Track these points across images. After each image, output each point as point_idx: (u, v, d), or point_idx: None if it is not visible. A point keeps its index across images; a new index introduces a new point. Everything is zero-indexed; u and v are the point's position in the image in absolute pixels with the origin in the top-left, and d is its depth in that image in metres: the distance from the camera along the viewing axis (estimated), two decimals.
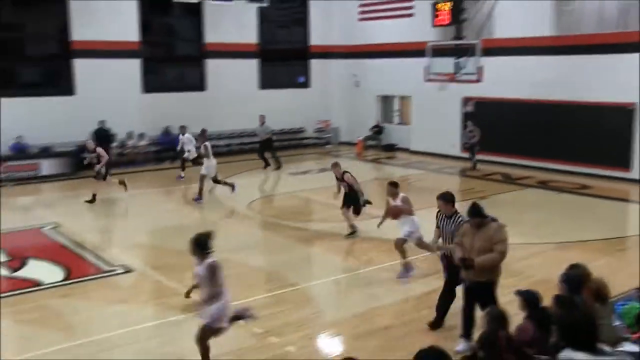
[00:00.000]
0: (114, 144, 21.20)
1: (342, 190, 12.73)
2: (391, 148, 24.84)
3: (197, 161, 17.79)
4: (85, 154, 16.76)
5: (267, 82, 25.53)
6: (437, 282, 8.81)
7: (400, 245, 10.18)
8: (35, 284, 10.39)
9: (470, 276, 7.06)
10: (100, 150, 16.21)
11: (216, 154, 18.89)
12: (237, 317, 7.34)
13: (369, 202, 12.55)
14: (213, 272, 6.73)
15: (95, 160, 16.14)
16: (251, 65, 25.17)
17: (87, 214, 15.42)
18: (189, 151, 19.01)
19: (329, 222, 13.69)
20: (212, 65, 24.14)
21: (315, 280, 10.71)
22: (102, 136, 20.15)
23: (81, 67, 21.37)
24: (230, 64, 24.33)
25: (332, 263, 11.57)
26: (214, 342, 7.03)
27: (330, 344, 8.10)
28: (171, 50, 24.89)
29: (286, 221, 14.28)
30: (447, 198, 8.14)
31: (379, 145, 25.20)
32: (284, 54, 26.50)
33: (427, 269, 10.32)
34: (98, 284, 10.48)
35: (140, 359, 7.56)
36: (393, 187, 10.46)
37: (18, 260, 11.52)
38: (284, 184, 19.27)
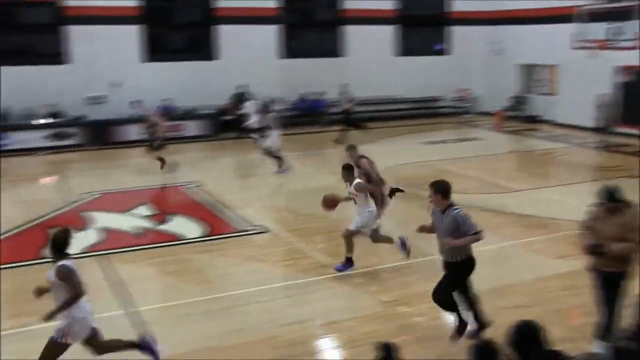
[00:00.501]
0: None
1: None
2: (533, 120, 23.72)
3: (259, 131, 17.29)
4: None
5: (405, 49, 25.16)
6: (579, 263, 8.35)
7: (346, 236, 9.10)
8: (177, 238, 11.04)
9: (601, 265, 6.36)
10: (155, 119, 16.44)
11: (352, 122, 18.93)
12: (135, 345, 6.47)
13: (399, 190, 10.83)
14: (64, 278, 5.79)
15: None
16: (389, 32, 24.90)
17: (226, 174, 16.10)
18: (253, 120, 18.81)
19: (463, 194, 13.34)
20: (350, 32, 24.15)
21: None
22: (241, 100, 20.86)
23: (224, 33, 22.20)
24: (367, 30, 24.21)
25: None
26: (337, 306, 7.04)
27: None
28: (310, 16, 25.14)
29: (419, 190, 14.07)
30: (437, 188, 6.73)
31: (520, 116, 24.14)
32: (423, 20, 25.93)
33: (566, 249, 9.81)
34: (235, 242, 10.92)
35: (267, 317, 7.80)
36: (345, 171, 9.25)
37: (162, 215, 12.28)
38: (419, 153, 19.02)
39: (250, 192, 14.82)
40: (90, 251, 10.34)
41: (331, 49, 24.27)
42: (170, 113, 20.67)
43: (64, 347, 5.94)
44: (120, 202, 13.76)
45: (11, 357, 6.92)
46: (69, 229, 6.16)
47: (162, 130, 16.17)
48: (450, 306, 7.00)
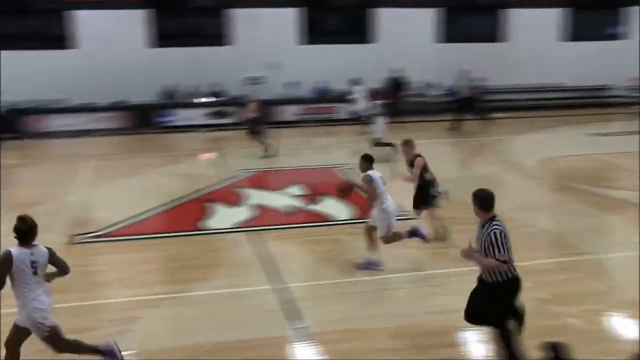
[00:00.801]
0: (407, 92, 21.67)
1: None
2: None
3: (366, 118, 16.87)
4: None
5: (572, 33, 23.72)
6: None
7: (367, 231, 8.73)
8: (327, 219, 11.22)
9: None
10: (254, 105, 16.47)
11: (513, 109, 18.16)
12: (95, 349, 6.11)
13: (442, 194, 9.85)
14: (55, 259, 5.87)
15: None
16: (554, 15, 23.59)
17: (379, 158, 16.04)
18: (360, 106, 18.44)
19: (633, 191, 12.40)
20: (512, 15, 23.17)
21: (611, 252, 9.78)
22: (396, 84, 20.76)
23: (383, 16, 22.16)
24: (531, 13, 23.10)
25: (632, 236, 10.46)
26: None
27: (621, 324, 7.37)
28: None
29: (581, 184, 13.29)
30: (476, 198, 5.89)
31: None
32: (596, 1, 24.26)
33: None
34: None
35: (413, 304, 7.70)
36: (363, 160, 8.68)
37: (314, 196, 12.52)
38: (582, 145, 17.90)
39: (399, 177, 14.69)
40: (243, 227, 10.78)
41: (491, 33, 23.44)
42: (325, 95, 21.01)
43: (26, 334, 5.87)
44: (273, 180, 14.23)
45: (162, 321, 7.40)
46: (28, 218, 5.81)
47: (261, 115, 16.50)
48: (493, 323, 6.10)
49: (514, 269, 5.86)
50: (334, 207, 11.77)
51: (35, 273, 5.70)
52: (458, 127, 18.99)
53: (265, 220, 11.18)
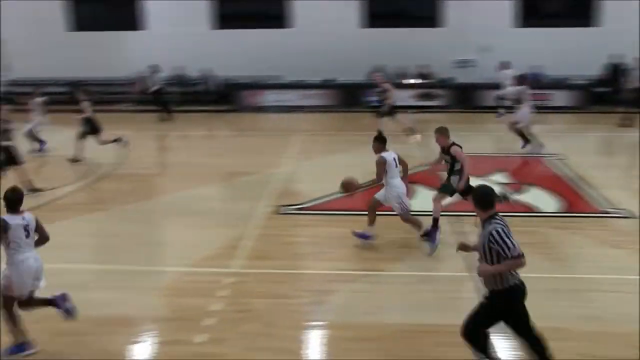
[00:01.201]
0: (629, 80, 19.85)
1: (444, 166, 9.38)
2: None
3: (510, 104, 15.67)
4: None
5: None
6: None
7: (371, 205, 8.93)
8: (531, 210, 10.68)
9: None
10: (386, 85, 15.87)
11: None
12: (49, 302, 6.42)
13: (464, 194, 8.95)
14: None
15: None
16: None
17: (592, 150, 15.02)
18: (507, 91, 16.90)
19: None
20: None
21: None
22: (617, 71, 19.13)
23: None
24: None
25: None
26: None
27: None
28: None
29: None
30: (474, 195, 5.50)
31: None
32: None
33: None
34: (593, 223, 10.17)
35: (625, 310, 7.06)
36: (376, 142, 8.90)
37: (519, 185, 11.98)
38: None
39: (618, 172, 13.54)
40: (444, 210, 10.60)
41: None
42: (538, 81, 19.94)
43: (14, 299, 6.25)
44: (477, 166, 13.81)
45: (355, 296, 7.53)
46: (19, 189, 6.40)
47: (391, 98, 15.90)
48: (475, 342, 5.63)
49: (517, 281, 5.38)
50: (541, 198, 11.18)
51: (27, 236, 6.24)
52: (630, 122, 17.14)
53: (465, 206, 10.88)
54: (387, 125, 15.88)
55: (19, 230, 6.18)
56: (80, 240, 9.69)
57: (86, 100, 14.13)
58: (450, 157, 9.12)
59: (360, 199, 10.35)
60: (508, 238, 5.24)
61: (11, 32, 22.11)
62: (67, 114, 18.96)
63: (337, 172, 12.82)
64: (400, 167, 8.98)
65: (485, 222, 5.39)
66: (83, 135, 13.94)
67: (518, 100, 15.15)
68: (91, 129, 13.97)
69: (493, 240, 5.24)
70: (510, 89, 16.85)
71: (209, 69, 21.21)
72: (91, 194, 12.04)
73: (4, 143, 11.31)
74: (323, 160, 14.24)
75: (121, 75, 21.59)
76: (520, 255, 5.24)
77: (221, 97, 21.34)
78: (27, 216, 6.33)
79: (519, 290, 5.43)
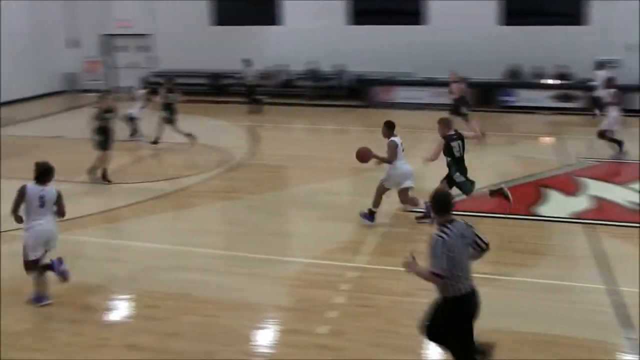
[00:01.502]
0: None
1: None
2: None
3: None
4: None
5: None
6: None
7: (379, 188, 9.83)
8: None
9: None
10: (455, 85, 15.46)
11: None
12: (47, 266, 7.30)
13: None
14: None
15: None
16: None
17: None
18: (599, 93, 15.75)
19: None
20: None
21: None
22: None
23: None
24: None
25: None
26: None
27: None
28: None
29: None
30: (431, 199, 5.52)
31: None
32: None
33: None
34: None
35: None
36: (385, 127, 9.83)
37: None
38: None
39: None
40: (578, 218, 10.11)
41: None
42: None
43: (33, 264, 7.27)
44: (617, 172, 13.06)
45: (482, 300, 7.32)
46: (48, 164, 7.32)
47: (458, 96, 15.54)
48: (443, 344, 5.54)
49: (465, 285, 5.17)
50: None
51: (42, 206, 7.14)
52: None
53: (603, 214, 10.33)
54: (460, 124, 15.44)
55: (34, 199, 7.11)
56: (211, 226, 10.14)
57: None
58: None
59: (486, 202, 10.12)
60: (439, 255, 5.05)
61: (160, 26, 23.49)
62: (207, 104, 19.98)
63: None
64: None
65: (439, 225, 5.26)
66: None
67: (608, 103, 14.42)
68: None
69: (430, 247, 5.15)
70: (602, 92, 16.02)
71: (342, 65, 21.41)
72: (225, 182, 12.54)
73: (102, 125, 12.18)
74: None
75: (258, 69, 22.32)
76: (438, 275, 5.07)
77: (353, 92, 21.49)
78: (49, 189, 7.23)
79: (467, 301, 5.25)
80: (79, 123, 14.97)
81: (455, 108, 16.06)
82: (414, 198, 9.89)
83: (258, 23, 22.99)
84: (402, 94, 21.01)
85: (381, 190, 9.86)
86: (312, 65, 21.69)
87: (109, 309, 7.55)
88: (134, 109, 15.89)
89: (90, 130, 12.41)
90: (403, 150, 9.82)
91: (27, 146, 15.51)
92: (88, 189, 12.27)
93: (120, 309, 7.64)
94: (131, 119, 15.70)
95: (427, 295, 7.41)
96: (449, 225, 5.17)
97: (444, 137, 9.87)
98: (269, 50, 22.37)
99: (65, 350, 6.43)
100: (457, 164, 9.80)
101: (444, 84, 20.65)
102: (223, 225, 10.48)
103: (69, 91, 23.84)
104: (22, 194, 7.17)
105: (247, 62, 20.48)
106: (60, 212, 7.41)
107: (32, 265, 7.26)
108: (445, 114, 18.69)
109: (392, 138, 9.74)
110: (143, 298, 7.55)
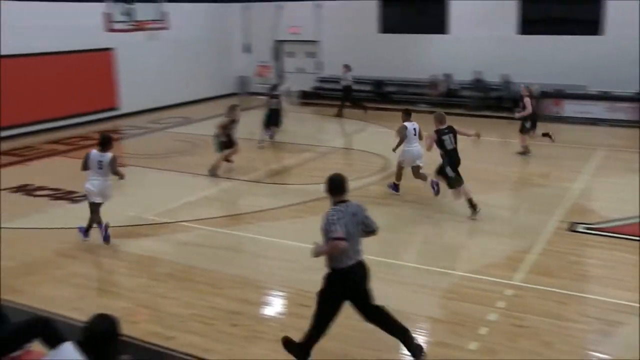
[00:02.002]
0: None
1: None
2: None
3: None
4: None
5: None
6: None
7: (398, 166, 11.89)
8: None
9: None
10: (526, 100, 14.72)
11: None
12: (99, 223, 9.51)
13: None
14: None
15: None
16: None
17: None
18: None
19: None
20: None
21: None
22: None
23: None
24: None
25: None
26: None
27: None
28: None
29: None
30: (326, 181, 6.03)
31: None
32: None
33: None
34: None
35: None
36: (404, 114, 12.00)
37: None
38: None
39: None
40: None
41: None
42: None
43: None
44: None
45: None
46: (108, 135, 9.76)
47: (528, 111, 14.73)
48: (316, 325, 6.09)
49: (352, 259, 5.80)
50: None
51: (100, 168, 9.32)
52: None
53: None
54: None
55: (94, 162, 9.33)
56: None
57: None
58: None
59: None
60: (335, 222, 5.63)
61: (326, 33, 24.13)
62: (370, 110, 20.21)
63: (638, 193, 11.75)
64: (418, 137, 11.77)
65: (333, 204, 5.88)
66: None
67: None
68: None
69: (324, 222, 5.73)
70: None
71: (509, 75, 20.73)
72: (383, 189, 12.55)
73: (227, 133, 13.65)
74: (623, 179, 13.05)
75: (421, 77, 22.24)
76: (338, 238, 5.55)
77: (519, 104, 20.64)
78: (106, 155, 9.34)
79: (353, 272, 5.86)
80: (246, 124, 15.78)
81: (523, 124, 15.17)
82: (423, 174, 11.75)
83: (424, 31, 22.89)
84: (573, 108, 19.95)
85: (399, 167, 11.93)
86: (477, 74, 21.23)
87: (264, 304, 7.88)
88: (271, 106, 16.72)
89: (215, 135, 13.82)
90: (415, 135, 11.70)
91: (198, 144, 16.61)
92: (251, 187, 12.89)
93: (275, 305, 7.95)
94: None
95: (588, 322, 7.06)
96: (342, 205, 5.86)
97: (436, 131, 10.83)
98: (434, 59, 22.22)
99: (223, 340, 6.80)
100: (448, 156, 10.74)
101: (621, 98, 19.40)
102: (379, 232, 10.51)
103: (240, 94, 25.15)
104: (86, 159, 9.42)
105: (347, 67, 21.13)
106: (114, 172, 9.43)
107: (95, 208, 9.47)
108: (624, 130, 17.69)
109: (405, 123, 11.76)
110: (296, 296, 7.79)
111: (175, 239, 9.93)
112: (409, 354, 6.12)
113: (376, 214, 10.97)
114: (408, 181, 12.42)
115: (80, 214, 9.99)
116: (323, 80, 24.74)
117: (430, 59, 22.31)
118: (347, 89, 21.27)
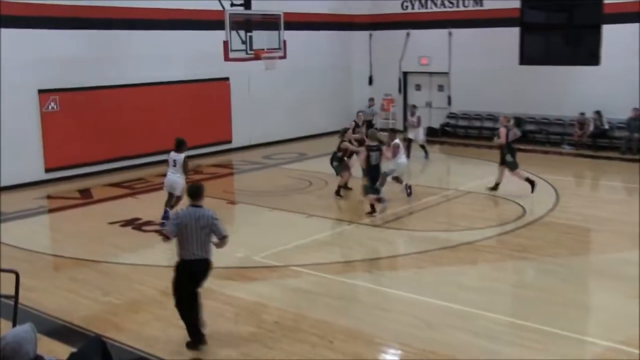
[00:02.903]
0: None
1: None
2: None
3: None
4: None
5: None
6: None
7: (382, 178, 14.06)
8: None
9: None
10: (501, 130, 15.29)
11: None
12: (165, 213, 13.06)
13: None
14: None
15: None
16: None
17: None
18: None
19: None
20: None
21: None
22: None
23: None
24: None
25: None
26: None
27: None
28: None
29: None
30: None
31: None
32: None
33: None
34: None
35: None
36: (391, 132, 15.53)
37: None
38: None
39: None
40: None
41: None
42: None
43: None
44: None
45: None
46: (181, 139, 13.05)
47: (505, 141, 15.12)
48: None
49: (189, 254, 7.60)
50: None
51: (174, 166, 12.87)
52: None
53: None
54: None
55: (170, 161, 12.93)
56: (498, 286, 9.96)
57: None
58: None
59: None
60: (171, 222, 7.78)
61: (458, 63, 24.02)
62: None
63: None
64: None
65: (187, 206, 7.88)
66: None
67: None
68: None
69: None
70: None
71: None
72: (517, 239, 12.23)
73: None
74: None
75: (566, 114, 21.60)
76: (164, 234, 7.91)
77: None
78: (178, 155, 12.77)
79: (189, 266, 7.68)
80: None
81: (502, 155, 15.35)
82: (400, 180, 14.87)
83: (572, 62, 22.20)
84: None
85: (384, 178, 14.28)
86: (636, 112, 20.13)
87: None
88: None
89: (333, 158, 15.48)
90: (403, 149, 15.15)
91: (314, 182, 16.90)
92: (369, 232, 12.92)
93: None
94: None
95: None
96: (190, 208, 7.72)
97: (366, 147, 13.60)
98: (582, 94, 21.47)
99: None
100: (370, 170, 13.39)
101: None
102: (512, 288, 10.23)
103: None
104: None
105: (371, 101, 22.27)
106: (184, 171, 12.81)
107: (170, 198, 13.03)
108: None
109: (395, 140, 14.76)
110: (413, 355, 7.66)
111: (285, 285, 10.08)
112: None
113: (509, 269, 10.80)
114: (548, 233, 12.03)
115: None
116: (452, 116, 24.60)
117: (578, 94, 21.59)
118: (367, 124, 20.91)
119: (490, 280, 10.15)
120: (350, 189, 15.60)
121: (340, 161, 15.37)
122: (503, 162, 15.39)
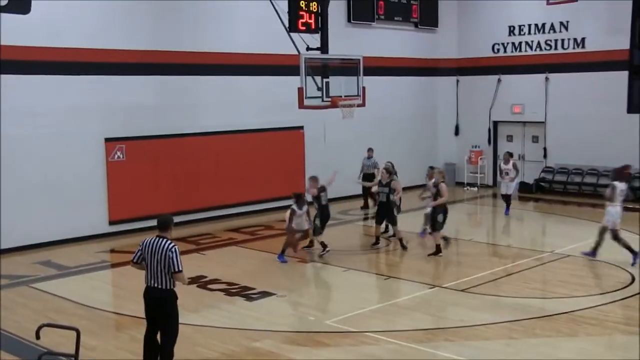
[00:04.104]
0: None
1: None
2: None
3: None
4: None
5: None
6: None
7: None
8: None
9: None
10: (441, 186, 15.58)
11: None
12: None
13: None
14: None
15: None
16: None
17: None
18: None
19: None
20: None
21: None
22: None
23: None
24: None
25: None
26: None
27: None
28: None
29: None
30: None
31: None
32: None
33: None
34: None
35: None
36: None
37: None
38: None
39: None
40: None
41: None
42: None
43: None
44: None
45: None
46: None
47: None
48: None
49: (148, 281, 8.71)
50: None
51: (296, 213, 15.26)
52: None
53: None
54: None
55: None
56: None
57: None
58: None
59: None
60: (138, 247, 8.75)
61: (555, 111, 23.70)
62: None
63: None
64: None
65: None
66: None
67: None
68: None
69: None
70: None
71: None
72: (624, 311, 11.87)
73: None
74: None
75: None
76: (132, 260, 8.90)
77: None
78: (303, 208, 15.13)
79: (146, 292, 8.71)
80: (453, 220, 15.81)
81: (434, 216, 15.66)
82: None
83: None
84: None
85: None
86: None
87: None
88: None
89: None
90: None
91: (392, 240, 16.88)
92: (454, 297, 12.78)
93: None
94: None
95: None
96: (155, 238, 8.58)
97: (316, 188, 15.85)
98: None
99: None
100: (320, 210, 15.83)
101: None
102: None
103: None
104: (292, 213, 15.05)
105: (370, 152, 21.74)
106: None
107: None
108: None
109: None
110: None
111: (359, 352, 10.05)
112: None
113: (615, 345, 10.43)
114: None
115: (255, 313, 10.47)
116: (548, 170, 24.26)
117: None
118: (366, 177, 21.17)
119: (592, 357, 9.85)
120: (440, 255, 15.43)
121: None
122: None
